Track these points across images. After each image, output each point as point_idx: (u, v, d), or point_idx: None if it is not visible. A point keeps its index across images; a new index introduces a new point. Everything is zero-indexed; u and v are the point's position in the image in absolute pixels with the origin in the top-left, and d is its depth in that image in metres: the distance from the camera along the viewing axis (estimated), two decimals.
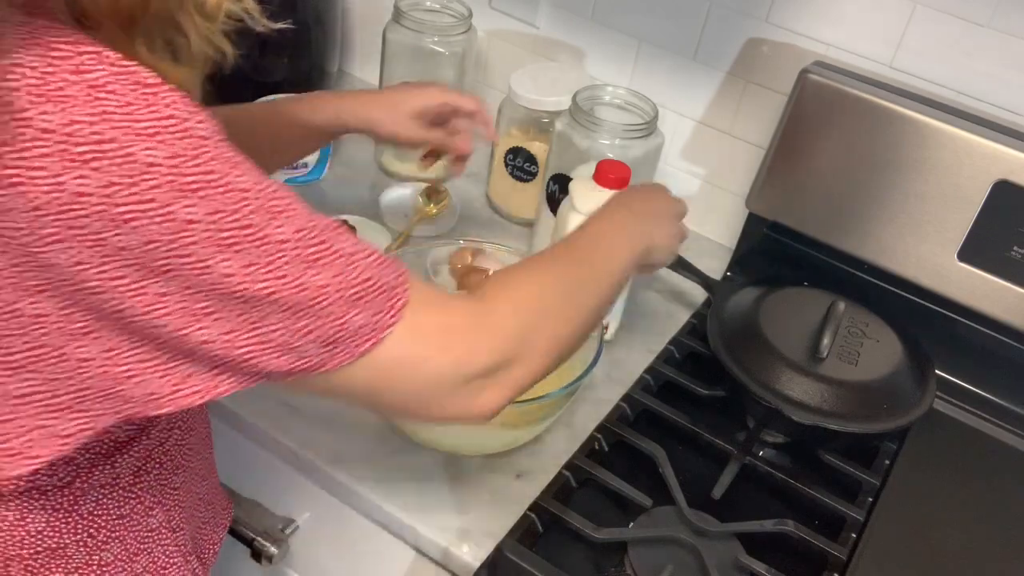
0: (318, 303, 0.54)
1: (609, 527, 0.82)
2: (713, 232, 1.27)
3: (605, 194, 0.94)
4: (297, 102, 0.94)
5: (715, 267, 1.19)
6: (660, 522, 0.84)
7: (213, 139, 0.49)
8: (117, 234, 0.47)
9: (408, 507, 0.84)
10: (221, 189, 0.49)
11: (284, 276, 0.52)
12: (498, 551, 0.79)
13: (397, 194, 1.22)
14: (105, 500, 0.67)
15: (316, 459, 0.87)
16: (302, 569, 1.03)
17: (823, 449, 0.95)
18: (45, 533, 0.65)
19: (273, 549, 0.95)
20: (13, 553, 0.64)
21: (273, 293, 0.52)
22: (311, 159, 1.22)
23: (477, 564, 0.80)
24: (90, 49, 0.46)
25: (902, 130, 0.98)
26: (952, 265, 1.01)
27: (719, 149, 1.21)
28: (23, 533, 0.64)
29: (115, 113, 0.46)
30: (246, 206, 0.50)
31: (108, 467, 0.66)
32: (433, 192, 1.22)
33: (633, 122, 1.05)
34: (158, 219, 0.47)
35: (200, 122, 0.49)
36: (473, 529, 0.83)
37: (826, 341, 0.94)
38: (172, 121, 0.47)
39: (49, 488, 0.64)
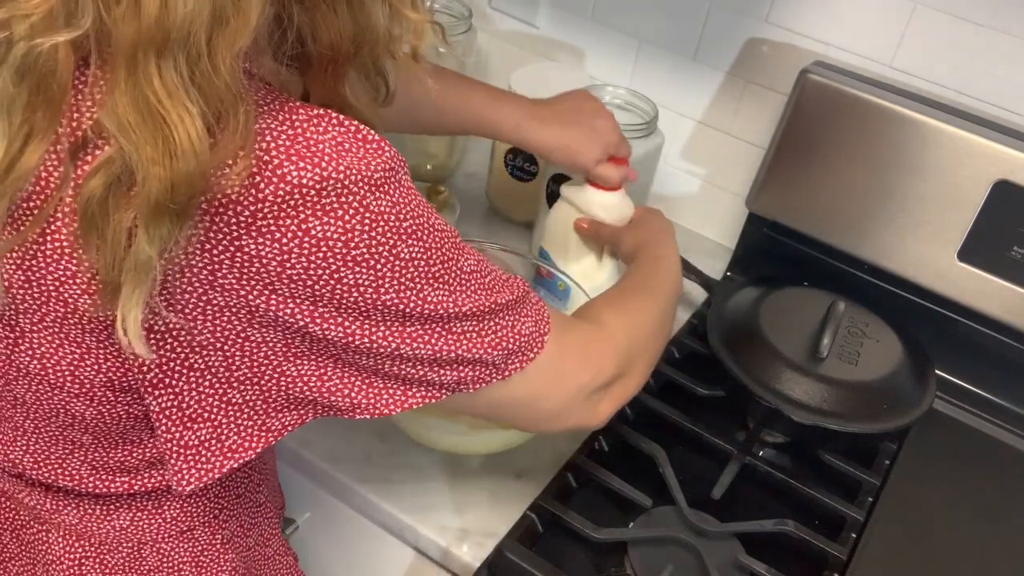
0: (499, 318, 0.61)
1: (609, 527, 0.82)
2: (713, 232, 1.27)
3: (599, 193, 0.97)
4: (461, 98, 0.95)
5: (715, 267, 1.19)
6: (660, 522, 0.84)
7: (413, 186, 0.55)
8: (352, 273, 0.52)
9: (408, 507, 0.84)
10: (429, 230, 0.55)
11: (478, 299, 0.59)
12: (498, 551, 0.79)
13: None
14: (227, 482, 0.73)
15: (316, 459, 0.87)
16: (302, 568, 1.03)
17: (823, 449, 0.95)
18: (178, 519, 0.70)
19: None
20: (147, 538, 0.69)
21: (469, 313, 0.59)
22: None
23: (477, 564, 0.80)
24: (318, 112, 0.50)
25: (902, 130, 0.98)
26: (952, 265, 1.01)
27: (719, 149, 1.21)
28: (160, 520, 0.69)
29: (353, 168, 0.50)
30: (445, 243, 0.57)
31: None
32: (433, 192, 1.22)
33: (633, 122, 1.05)
34: (385, 259, 0.53)
35: (405, 170, 0.54)
36: (473, 529, 0.83)
37: (826, 341, 0.94)
38: (393, 173, 0.53)
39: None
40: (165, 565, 0.71)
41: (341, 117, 0.51)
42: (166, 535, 0.70)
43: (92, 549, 0.68)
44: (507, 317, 0.62)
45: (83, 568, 0.68)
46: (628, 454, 0.91)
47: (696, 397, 0.99)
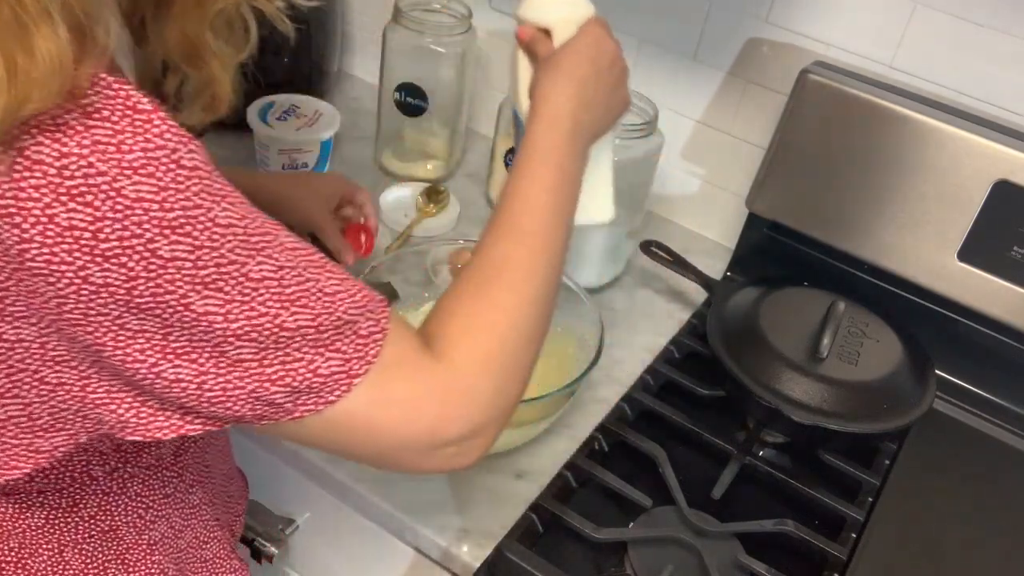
0: (291, 346, 0.52)
1: (609, 527, 0.82)
2: (713, 232, 1.27)
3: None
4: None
5: (715, 267, 1.19)
6: (660, 522, 0.84)
7: (201, 170, 0.48)
8: (102, 270, 0.46)
9: (408, 507, 0.84)
10: (204, 225, 0.48)
11: (263, 315, 0.51)
12: (498, 551, 0.79)
13: (397, 194, 1.22)
14: (151, 481, 0.70)
15: (316, 459, 0.87)
16: (302, 569, 1.03)
17: (823, 449, 0.95)
18: (97, 517, 0.68)
19: (273, 549, 0.95)
20: (68, 539, 0.67)
21: (248, 332, 0.51)
22: (311, 159, 1.22)
23: (477, 564, 0.80)
24: (88, 71, 0.45)
25: (902, 130, 0.98)
26: (952, 265, 1.01)
27: (719, 149, 1.21)
28: (77, 519, 0.67)
29: (107, 144, 0.45)
30: (228, 242, 0.49)
31: (153, 449, 0.69)
32: (433, 192, 1.22)
33: (633, 122, 1.05)
34: (141, 256, 0.46)
35: (189, 151, 0.47)
36: (473, 529, 0.83)
37: (826, 341, 0.94)
38: (161, 152, 0.46)
39: (100, 475, 0.66)
40: (90, 567, 0.68)
41: (115, 81, 0.45)
42: (87, 535, 0.67)
43: (12, 553, 0.65)
44: (304, 347, 0.53)
45: (3, 573, 0.65)
46: (628, 454, 0.91)
47: (696, 397, 0.99)
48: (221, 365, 0.51)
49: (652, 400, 0.97)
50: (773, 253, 1.13)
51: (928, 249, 1.02)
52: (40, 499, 0.65)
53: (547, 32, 0.79)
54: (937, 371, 0.99)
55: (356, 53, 1.48)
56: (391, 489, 0.85)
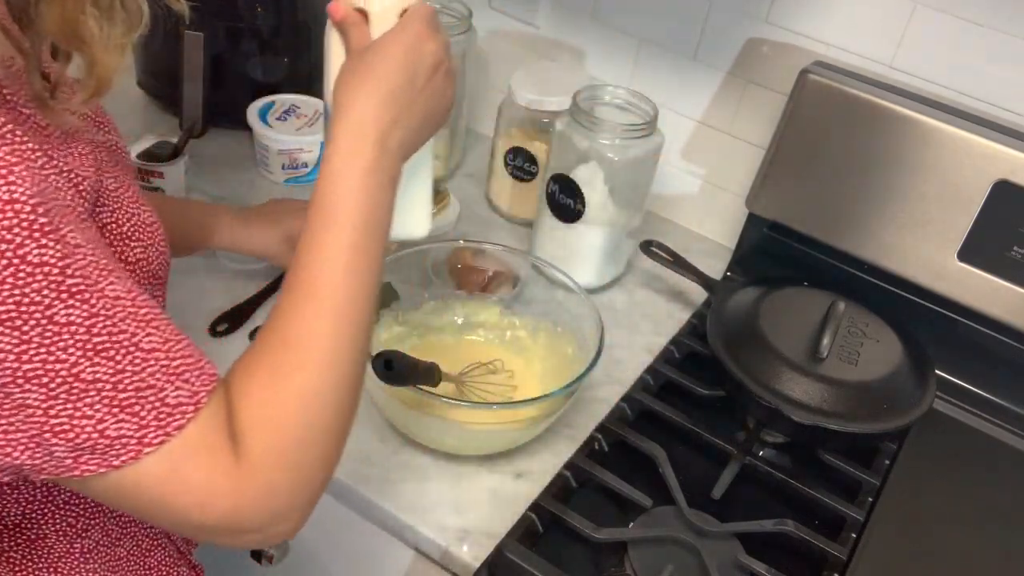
0: (83, 400, 0.49)
1: (609, 527, 0.82)
2: (713, 232, 1.27)
3: None
4: (172, 201, 0.94)
5: (715, 267, 1.19)
6: (660, 522, 0.84)
7: (17, 203, 0.46)
8: None
9: (408, 507, 0.84)
10: (7, 259, 0.46)
11: (61, 361, 0.48)
12: (498, 551, 0.79)
13: None
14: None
15: None
16: (302, 569, 1.03)
17: (823, 449, 0.95)
18: (23, 526, 0.66)
19: (273, 549, 0.95)
20: None
21: (40, 376, 0.48)
22: (311, 159, 1.22)
23: (477, 564, 0.80)
24: None
25: (902, 130, 0.98)
26: (952, 265, 1.01)
27: (719, 149, 1.21)
28: (0, 528, 0.65)
29: None
30: (36, 281, 0.47)
31: None
32: (433, 193, 1.21)
33: (633, 122, 1.05)
34: None
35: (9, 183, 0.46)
36: (473, 529, 0.83)
37: (826, 341, 0.94)
38: None
39: (19, 481, 0.64)
40: (18, 574, 0.67)
41: None
42: (13, 543, 0.66)
43: None
44: (97, 403, 0.50)
45: None
46: (628, 454, 0.91)
47: (696, 397, 0.99)
48: (4, 406, 0.49)
49: (652, 400, 0.97)
50: (773, 253, 1.13)
51: (928, 249, 1.01)
52: None
53: (365, 14, 0.69)
54: (937, 371, 0.99)
55: None
56: (391, 489, 0.85)
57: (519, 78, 1.16)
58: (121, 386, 0.51)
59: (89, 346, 0.49)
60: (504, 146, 1.19)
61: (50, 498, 0.66)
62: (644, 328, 1.10)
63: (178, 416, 0.53)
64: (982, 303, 1.01)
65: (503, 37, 1.31)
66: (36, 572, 0.67)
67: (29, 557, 0.67)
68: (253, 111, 1.20)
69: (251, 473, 0.55)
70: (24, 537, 0.66)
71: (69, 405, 0.49)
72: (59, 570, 0.68)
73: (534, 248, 1.14)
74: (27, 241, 0.47)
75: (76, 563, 0.69)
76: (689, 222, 1.29)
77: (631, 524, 0.84)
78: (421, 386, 0.83)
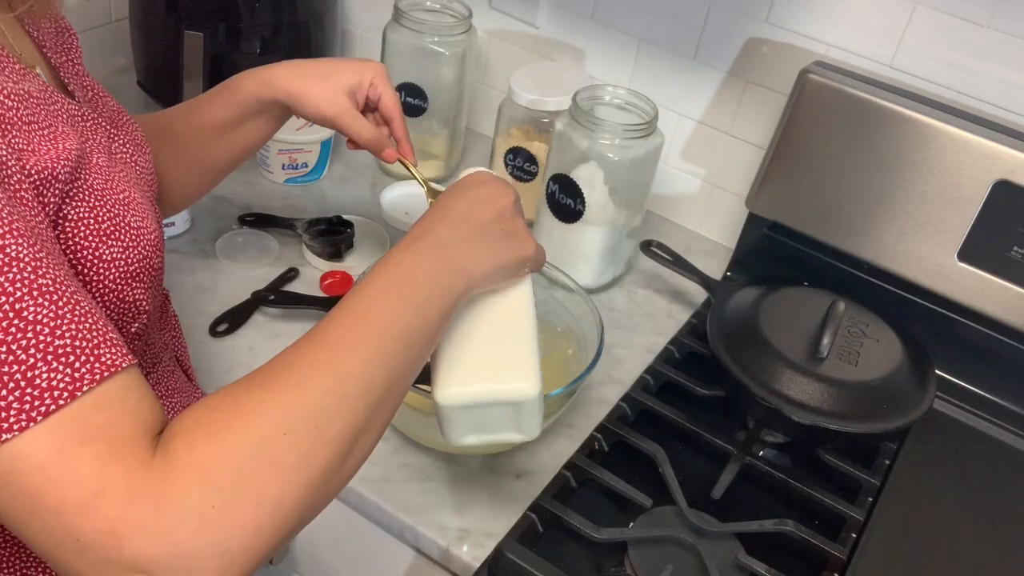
0: None
1: (609, 527, 0.82)
2: (713, 232, 1.27)
3: None
4: (223, 84, 0.87)
5: (715, 267, 1.19)
6: (660, 522, 0.84)
7: None
8: None
9: (408, 507, 0.84)
10: None
11: None
12: (498, 551, 0.79)
13: (397, 193, 1.22)
14: None
15: None
16: (302, 569, 1.03)
17: (823, 449, 0.95)
18: None
19: None
20: None
21: None
22: (311, 159, 1.22)
23: (477, 564, 0.80)
24: None
25: (902, 130, 0.98)
26: (952, 265, 1.01)
27: (719, 149, 1.21)
28: None
29: None
30: None
31: None
32: (432, 193, 1.21)
33: (633, 122, 1.05)
34: None
35: None
36: (473, 529, 0.83)
37: (826, 341, 0.94)
38: None
39: None
40: (4, 571, 0.65)
41: None
42: (1, 541, 0.64)
43: None
44: None
45: None
46: (628, 454, 0.91)
47: (696, 397, 0.99)
48: None
49: (652, 400, 0.97)
50: (773, 253, 1.13)
51: (928, 249, 1.02)
52: None
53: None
54: (937, 371, 0.99)
55: (356, 53, 1.48)
56: (391, 489, 0.85)
57: (519, 78, 1.16)
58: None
59: None
60: (504, 146, 1.19)
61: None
62: (644, 328, 1.10)
63: (45, 399, 0.46)
64: (982, 303, 1.01)
65: (503, 37, 1.31)
66: (24, 570, 0.67)
67: (16, 554, 0.66)
68: None
69: (162, 477, 0.46)
70: (9, 531, 0.65)
71: None
72: (47, 569, 0.67)
73: None
74: None
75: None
76: (689, 222, 1.29)
77: (631, 524, 0.84)
78: (421, 386, 0.83)
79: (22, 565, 0.67)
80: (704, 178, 1.25)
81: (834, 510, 0.89)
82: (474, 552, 0.81)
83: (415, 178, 0.89)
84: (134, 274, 0.64)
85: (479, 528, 0.83)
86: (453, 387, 0.66)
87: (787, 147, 1.06)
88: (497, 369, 0.67)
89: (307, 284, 1.07)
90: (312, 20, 1.28)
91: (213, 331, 0.97)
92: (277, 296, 1.02)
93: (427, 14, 1.20)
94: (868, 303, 1.02)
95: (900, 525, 0.89)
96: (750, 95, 1.16)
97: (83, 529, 0.45)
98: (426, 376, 0.85)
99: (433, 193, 0.89)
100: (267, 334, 0.98)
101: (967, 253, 1.00)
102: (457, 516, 0.84)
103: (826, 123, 1.02)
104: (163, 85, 1.30)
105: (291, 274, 1.07)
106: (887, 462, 0.96)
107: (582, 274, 1.08)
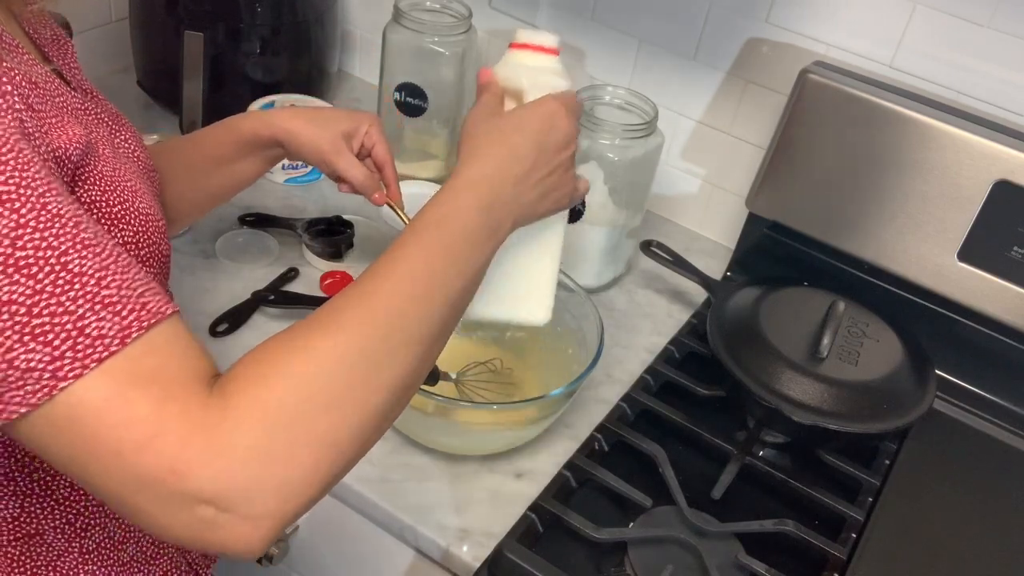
0: None
1: (609, 527, 0.82)
2: (713, 232, 1.27)
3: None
4: (226, 120, 0.89)
5: (715, 267, 1.19)
6: (660, 522, 0.84)
7: None
8: None
9: (408, 507, 0.84)
10: None
11: None
12: (498, 551, 0.79)
13: None
14: (79, 486, 0.66)
15: None
16: (302, 569, 1.03)
17: (823, 449, 0.95)
18: (21, 519, 0.66)
19: (273, 549, 0.95)
20: None
21: None
22: None
23: (477, 564, 0.80)
24: None
25: (902, 130, 0.98)
26: (952, 265, 1.01)
27: (719, 149, 1.21)
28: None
29: None
30: None
31: None
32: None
33: (633, 122, 1.05)
34: None
35: None
36: (473, 529, 0.83)
37: (826, 341, 0.94)
38: None
39: (15, 472, 0.64)
40: (16, 571, 0.66)
41: None
42: (11, 538, 0.65)
43: None
44: (8, 329, 0.46)
45: None
46: (628, 454, 0.91)
47: (696, 397, 0.99)
48: None
49: (652, 400, 0.97)
50: (773, 253, 1.13)
51: (928, 249, 1.02)
52: None
53: (517, 95, 0.73)
54: (937, 371, 0.99)
55: (356, 53, 1.48)
56: (391, 489, 0.85)
57: None
58: (36, 310, 0.46)
59: (11, 260, 0.46)
60: None
61: (48, 493, 0.66)
62: (644, 328, 1.10)
63: (98, 347, 0.47)
64: (982, 303, 1.01)
65: (503, 37, 1.31)
66: (35, 569, 0.67)
67: (27, 554, 0.67)
68: (253, 111, 1.20)
69: (218, 416, 0.48)
70: (22, 532, 0.66)
71: None
72: (58, 569, 0.68)
73: None
74: None
75: (75, 562, 0.69)
76: (689, 222, 1.29)
77: (631, 524, 0.84)
78: (420, 386, 0.83)
79: (32, 565, 0.67)
80: (704, 178, 1.25)
81: (834, 510, 0.89)
82: (474, 552, 0.81)
83: (402, 220, 0.91)
84: (144, 258, 0.64)
85: (479, 528, 0.83)
86: (477, 307, 0.77)
87: (787, 147, 1.06)
88: (516, 299, 0.77)
89: (307, 284, 1.07)
90: (312, 20, 1.28)
91: (213, 331, 0.97)
92: (277, 296, 1.02)
93: (427, 14, 1.20)
94: (868, 303, 1.02)
95: (900, 525, 0.89)
96: (750, 95, 1.16)
97: (144, 467, 0.47)
98: (427, 377, 0.85)
99: None
100: (267, 334, 0.97)
101: (967, 253, 1.00)
102: (457, 516, 0.84)
103: (826, 123, 1.02)
104: (163, 85, 1.30)
105: (291, 274, 1.07)
106: (887, 462, 0.96)
107: (582, 274, 1.08)
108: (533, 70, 0.74)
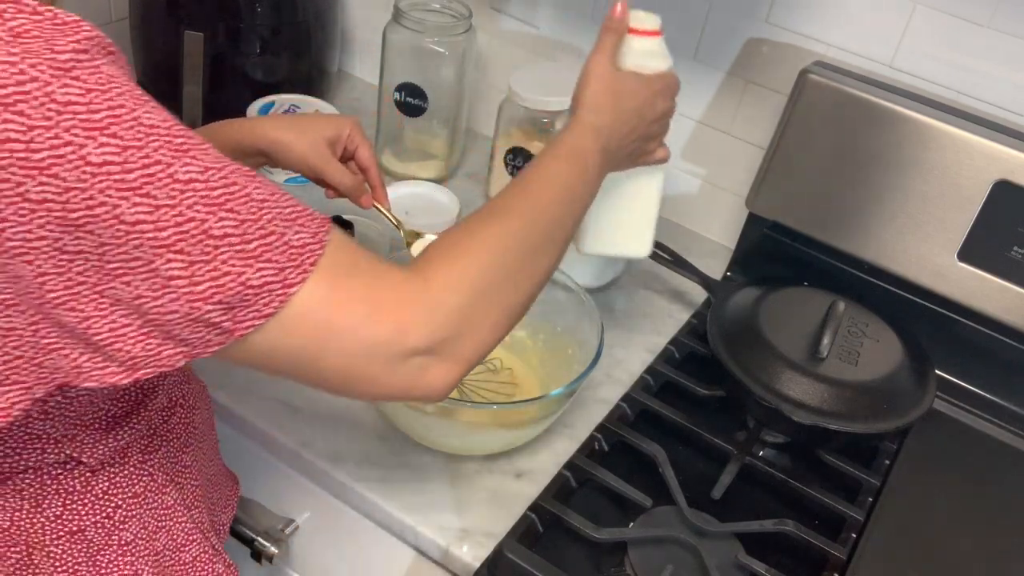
0: (217, 256, 0.51)
1: (609, 527, 0.82)
2: (713, 232, 1.27)
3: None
4: (209, 126, 0.89)
5: (715, 267, 1.19)
6: (660, 522, 0.84)
7: (122, 76, 0.49)
8: (39, 184, 0.46)
9: (408, 507, 0.84)
10: (129, 124, 0.48)
11: (190, 220, 0.50)
12: (498, 551, 0.79)
13: (397, 194, 1.22)
14: (117, 479, 0.69)
15: (316, 459, 0.87)
16: (302, 569, 1.03)
17: (823, 449, 0.95)
18: (63, 517, 0.67)
19: (273, 549, 0.95)
20: (35, 540, 0.66)
21: (176, 243, 0.50)
22: None
23: (477, 564, 0.80)
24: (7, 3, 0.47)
25: (902, 130, 0.98)
26: (952, 265, 1.01)
27: (719, 149, 1.21)
28: (42, 520, 0.66)
29: (37, 51, 0.46)
30: (153, 141, 0.49)
31: (112, 442, 0.68)
32: (412, 235, 1.20)
33: None
34: (74, 164, 0.46)
35: (111, 54, 0.49)
36: (473, 529, 0.83)
37: (826, 341, 0.94)
38: (86, 56, 0.47)
39: (58, 470, 0.65)
40: (59, 570, 0.67)
41: (37, 5, 0.47)
42: (54, 537, 0.67)
43: None
44: (232, 259, 0.52)
45: None
46: (628, 454, 0.91)
47: (696, 397, 0.99)
48: (156, 287, 0.50)
49: (652, 400, 0.97)
50: (773, 253, 1.13)
51: (928, 249, 1.02)
52: (1, 502, 0.64)
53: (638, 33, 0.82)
54: (937, 371, 0.99)
55: (356, 53, 1.48)
56: (391, 489, 0.85)
57: (519, 78, 1.16)
58: (248, 236, 0.52)
59: (210, 200, 0.51)
60: (504, 146, 1.19)
61: (88, 488, 0.67)
62: (644, 328, 1.10)
63: (308, 253, 0.55)
64: (982, 303, 1.01)
65: (503, 37, 1.31)
66: (76, 566, 0.68)
67: (69, 551, 0.67)
68: (253, 111, 1.20)
69: (422, 287, 0.59)
70: (64, 529, 0.67)
71: (209, 266, 0.51)
72: (98, 562, 0.69)
73: None
74: (137, 107, 0.49)
75: (115, 555, 0.70)
76: (689, 222, 1.29)
77: (631, 524, 0.84)
78: None
79: (72, 563, 0.68)
80: (704, 178, 1.25)
81: (834, 510, 0.89)
82: (474, 552, 0.81)
83: (390, 221, 0.93)
84: None
85: (479, 528, 0.83)
86: (588, 242, 0.92)
87: (787, 147, 1.06)
88: (624, 235, 0.92)
89: None
90: (312, 20, 1.28)
91: None
92: None
93: (427, 14, 1.20)
94: (868, 303, 1.02)
95: (900, 525, 0.89)
96: (750, 95, 1.16)
97: (377, 334, 0.57)
98: None
99: (411, 235, 0.94)
100: None
101: (967, 253, 1.00)
102: (457, 516, 0.84)
103: (826, 123, 1.02)
104: (163, 85, 1.30)
105: None
106: (887, 462, 0.96)
107: (582, 274, 1.08)
108: (639, 54, 0.82)
